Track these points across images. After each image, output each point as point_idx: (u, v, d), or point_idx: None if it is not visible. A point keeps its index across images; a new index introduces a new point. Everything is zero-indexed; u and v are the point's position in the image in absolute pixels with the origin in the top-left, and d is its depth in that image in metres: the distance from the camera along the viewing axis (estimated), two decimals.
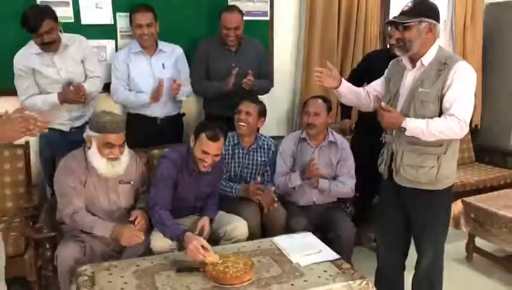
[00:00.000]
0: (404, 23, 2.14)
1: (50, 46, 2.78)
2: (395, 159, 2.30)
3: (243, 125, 2.95)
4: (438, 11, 2.20)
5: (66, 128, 3.01)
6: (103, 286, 2.06)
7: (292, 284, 2.09)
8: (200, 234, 2.49)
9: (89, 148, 2.41)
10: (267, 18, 3.74)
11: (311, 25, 3.81)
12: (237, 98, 3.15)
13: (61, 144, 2.95)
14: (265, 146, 3.09)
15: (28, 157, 3.18)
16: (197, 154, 2.55)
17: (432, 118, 2.14)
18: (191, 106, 3.58)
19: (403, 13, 2.19)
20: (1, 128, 1.68)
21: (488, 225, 3.14)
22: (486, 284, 3.13)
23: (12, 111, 1.72)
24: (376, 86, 2.48)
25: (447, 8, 4.43)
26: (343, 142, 3.03)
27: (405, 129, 2.16)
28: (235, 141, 3.02)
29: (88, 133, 2.42)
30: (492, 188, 3.85)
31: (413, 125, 2.15)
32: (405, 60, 2.26)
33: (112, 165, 2.43)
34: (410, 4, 2.19)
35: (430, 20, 2.14)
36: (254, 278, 2.13)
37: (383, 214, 2.51)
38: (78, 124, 3.03)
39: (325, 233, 2.78)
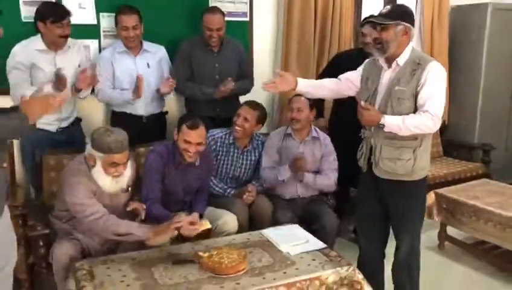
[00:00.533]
0: (383, 24, 2.30)
1: (65, 40, 2.89)
2: (374, 152, 2.45)
3: (239, 130, 3.05)
4: (413, 16, 2.38)
5: (52, 129, 3.04)
6: (103, 279, 2.12)
7: (285, 272, 2.21)
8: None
9: (93, 166, 2.40)
10: (247, 19, 3.86)
11: (289, 26, 3.94)
12: (218, 98, 3.29)
13: (47, 144, 3.00)
14: (260, 144, 3.22)
15: (12, 157, 3.18)
16: (181, 145, 2.65)
17: (407, 114, 2.30)
18: (172, 105, 3.65)
19: (381, 15, 2.34)
20: (28, 106, 1.84)
21: (458, 214, 3.36)
22: (458, 270, 3.34)
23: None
24: (351, 76, 2.61)
25: (415, 11, 4.65)
26: (326, 138, 3.18)
27: (383, 125, 2.32)
28: (230, 141, 3.11)
29: (91, 152, 2.39)
30: (460, 180, 4.08)
31: (391, 122, 2.31)
32: (381, 61, 2.42)
33: (116, 182, 2.46)
34: (388, 7, 2.36)
35: (406, 24, 2.31)
36: (248, 268, 2.23)
37: (363, 205, 2.66)
38: (64, 124, 3.07)
39: (310, 224, 2.91)
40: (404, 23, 2.30)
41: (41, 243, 2.48)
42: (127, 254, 2.38)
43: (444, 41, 4.70)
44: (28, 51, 2.85)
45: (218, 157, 3.10)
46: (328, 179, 3.09)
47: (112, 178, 2.43)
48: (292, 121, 3.08)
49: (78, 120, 3.20)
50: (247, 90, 3.55)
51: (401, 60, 2.35)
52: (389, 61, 2.39)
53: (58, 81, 2.77)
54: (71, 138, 3.08)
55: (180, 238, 2.48)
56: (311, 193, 3.15)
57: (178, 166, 2.72)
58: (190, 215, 2.51)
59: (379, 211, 2.56)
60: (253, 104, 3.11)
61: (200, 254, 2.28)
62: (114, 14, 3.25)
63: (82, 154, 2.50)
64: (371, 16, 2.51)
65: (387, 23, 2.30)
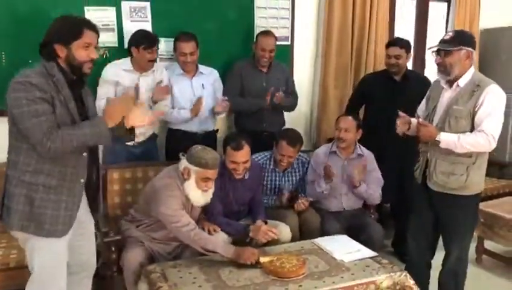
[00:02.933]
0: (447, 50, 2.48)
1: (152, 64, 3.18)
2: (429, 166, 2.63)
3: (283, 165, 3.27)
4: (475, 41, 2.56)
5: (130, 143, 3.21)
6: (176, 281, 2.32)
7: (342, 277, 2.38)
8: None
9: (186, 179, 2.60)
10: (289, 43, 4.09)
11: (328, 49, 4.16)
12: (266, 113, 3.56)
13: (124, 156, 3.25)
14: (300, 164, 3.41)
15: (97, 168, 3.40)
16: (229, 166, 2.86)
17: (464, 132, 2.47)
18: (221, 123, 3.88)
19: (444, 41, 2.53)
20: (109, 108, 2.05)
21: (496, 228, 3.49)
22: (495, 282, 3.45)
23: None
24: (421, 107, 2.81)
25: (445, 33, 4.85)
26: (370, 155, 3.36)
27: (439, 142, 2.50)
28: (271, 166, 3.32)
29: (188, 165, 2.59)
30: (492, 197, 4.20)
31: (447, 139, 2.49)
32: (443, 82, 2.61)
33: (203, 196, 2.65)
34: (451, 33, 2.55)
35: (469, 48, 2.50)
36: (307, 272, 2.41)
37: (416, 215, 2.83)
38: (141, 139, 3.27)
39: (356, 236, 3.06)
40: (466, 47, 2.48)
41: (113, 249, 2.69)
42: (192, 259, 2.59)
43: (475, 63, 4.86)
44: (116, 69, 3.16)
45: (262, 181, 3.30)
46: (375, 192, 3.28)
47: (201, 192, 2.62)
48: (339, 140, 3.27)
49: (154, 136, 3.45)
50: (293, 107, 3.79)
51: (462, 81, 2.53)
52: (451, 82, 2.57)
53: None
54: (146, 152, 3.33)
55: (249, 241, 2.73)
56: (356, 206, 3.33)
57: (230, 178, 2.94)
58: (266, 224, 2.81)
59: (430, 221, 2.72)
60: (293, 141, 3.20)
61: (263, 259, 2.47)
62: (169, 39, 3.51)
63: (172, 167, 2.71)
64: (439, 42, 2.59)
65: (451, 49, 2.48)
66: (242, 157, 2.84)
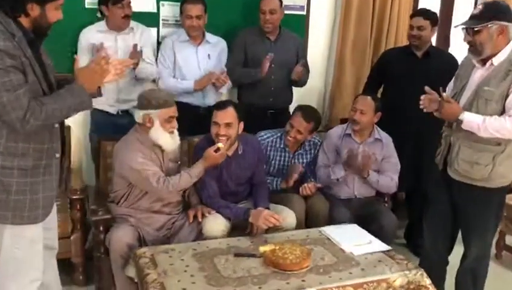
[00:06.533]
0: (474, 28, 2.17)
1: (127, 21, 2.96)
2: (451, 151, 2.35)
3: (291, 140, 2.99)
4: (510, 13, 2.20)
5: (113, 111, 3.07)
6: (166, 268, 2.10)
7: (350, 273, 2.14)
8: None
9: (150, 127, 2.43)
10: (304, 12, 3.78)
11: (346, 21, 3.84)
12: (272, 87, 3.26)
13: (107, 127, 3.02)
14: (312, 145, 3.13)
15: (69, 141, 3.19)
16: (212, 132, 2.60)
17: (491, 115, 2.18)
18: (224, 97, 3.60)
19: (472, 17, 2.22)
20: (83, 73, 1.83)
21: None
22: None
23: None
24: (450, 86, 2.50)
25: None
26: (388, 139, 3.06)
27: (461, 121, 2.21)
28: (281, 146, 3.05)
29: (146, 112, 2.43)
30: None
31: (470, 119, 2.20)
32: (475, 60, 2.30)
33: (171, 138, 2.49)
34: (480, 7, 2.21)
35: (502, 22, 2.16)
36: (312, 265, 2.17)
37: (433, 206, 2.57)
38: (125, 107, 3.08)
39: (367, 225, 2.81)
40: (499, 22, 2.16)
41: (101, 228, 2.48)
42: (186, 244, 2.36)
43: None
44: (90, 33, 2.96)
45: (269, 161, 3.04)
46: (390, 180, 3.00)
47: (169, 135, 2.47)
48: (353, 122, 2.98)
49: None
50: (305, 83, 3.48)
51: (497, 59, 2.22)
52: (484, 60, 2.27)
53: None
54: (133, 122, 3.07)
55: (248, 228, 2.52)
56: (368, 194, 3.07)
57: None
58: (268, 211, 2.54)
59: (449, 214, 2.46)
60: (308, 116, 2.96)
61: (263, 248, 2.23)
62: (174, 3, 3.26)
63: (132, 128, 2.55)
64: (469, 17, 2.29)
65: (478, 27, 2.17)
66: (224, 118, 2.56)
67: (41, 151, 1.80)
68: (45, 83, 1.78)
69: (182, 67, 3.15)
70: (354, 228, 2.65)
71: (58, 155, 1.87)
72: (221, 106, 2.62)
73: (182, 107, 3.10)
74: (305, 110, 3.00)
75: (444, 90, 2.34)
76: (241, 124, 2.65)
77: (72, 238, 2.73)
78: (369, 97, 2.99)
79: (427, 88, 2.32)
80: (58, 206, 2.90)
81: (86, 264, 2.82)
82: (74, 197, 2.72)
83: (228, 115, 2.57)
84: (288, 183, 2.91)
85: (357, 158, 2.85)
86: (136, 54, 2.92)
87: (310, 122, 2.96)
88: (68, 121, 3.11)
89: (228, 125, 2.56)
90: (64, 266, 2.80)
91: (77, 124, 3.22)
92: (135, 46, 2.96)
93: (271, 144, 3.04)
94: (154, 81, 3.21)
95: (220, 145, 2.52)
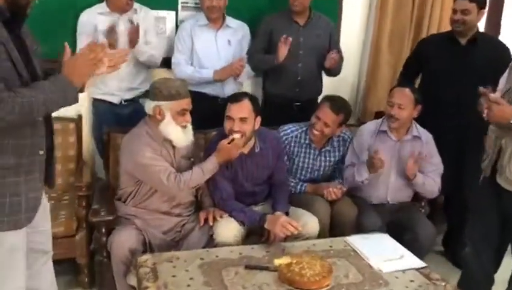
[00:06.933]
0: None
1: (131, 1, 2.75)
2: (501, 157, 2.01)
3: (317, 134, 2.67)
4: None
5: (115, 100, 2.88)
6: (167, 280, 1.86)
7: None
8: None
9: (161, 120, 2.20)
10: None
11: (383, 4, 3.49)
12: (299, 76, 2.98)
13: (110, 118, 2.84)
14: (341, 141, 2.82)
15: (80, 132, 3.02)
16: (226, 127, 2.34)
17: None
18: (247, 88, 3.32)
19: None
20: (73, 62, 1.57)
21: None
22: None
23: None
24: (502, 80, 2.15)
25: None
26: (428, 137, 2.72)
27: None
28: (306, 141, 2.74)
29: (156, 104, 2.20)
30: None
31: None
32: None
33: (184, 133, 2.26)
34: None
35: None
36: (332, 284, 1.90)
37: (479, 217, 2.24)
38: (128, 96, 2.88)
39: (400, 235, 2.50)
40: None
41: (103, 231, 2.27)
42: (193, 252, 2.12)
43: None
44: (90, 15, 2.76)
45: (293, 157, 2.75)
46: (433, 182, 2.66)
47: (181, 129, 2.24)
48: (390, 118, 2.65)
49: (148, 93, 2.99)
50: (339, 71, 3.16)
51: None
52: None
53: (108, 35, 2.63)
54: (136, 114, 2.82)
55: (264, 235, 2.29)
56: (403, 199, 2.74)
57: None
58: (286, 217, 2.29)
59: (496, 225, 2.14)
60: (337, 107, 2.64)
61: (278, 261, 1.97)
62: None
63: (142, 121, 2.33)
64: None
65: None
66: (238, 112, 2.29)
67: (22, 147, 1.58)
68: (26, 71, 1.55)
69: (200, 54, 2.90)
70: (385, 238, 2.34)
71: (42, 152, 1.65)
72: (235, 98, 2.35)
73: (198, 97, 2.89)
74: (334, 101, 2.68)
75: (492, 87, 2.00)
76: (258, 119, 2.38)
77: (77, 237, 2.54)
78: (407, 89, 2.65)
79: (482, 89, 1.98)
80: (66, 201, 2.81)
81: (92, 265, 2.63)
82: (80, 193, 2.53)
83: (243, 108, 2.31)
84: (317, 192, 2.64)
85: (380, 161, 2.53)
86: (136, 34, 2.69)
87: (339, 115, 2.65)
88: (81, 110, 3.01)
89: (243, 120, 2.30)
90: (69, 266, 2.66)
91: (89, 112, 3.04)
92: (137, 25, 2.71)
93: (295, 139, 2.75)
94: (169, 67, 2.96)
95: (236, 136, 2.27)
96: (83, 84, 1.63)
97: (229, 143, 2.26)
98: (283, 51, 2.82)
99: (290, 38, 2.82)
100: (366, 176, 2.63)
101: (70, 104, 1.60)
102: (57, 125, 2.85)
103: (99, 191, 2.58)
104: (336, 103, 2.67)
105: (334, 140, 2.79)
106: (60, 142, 2.93)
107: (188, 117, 2.27)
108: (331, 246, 2.23)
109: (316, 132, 2.66)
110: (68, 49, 1.65)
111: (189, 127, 2.31)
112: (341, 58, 3.12)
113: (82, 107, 2.99)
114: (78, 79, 1.57)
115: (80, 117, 3.02)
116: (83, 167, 2.94)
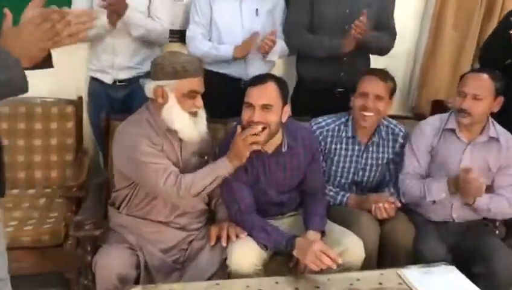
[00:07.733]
0: None
1: None
2: None
3: (371, 117, 2.09)
4: None
5: (107, 80, 2.43)
6: None
7: None
8: None
9: (163, 104, 1.73)
10: None
11: None
12: (344, 57, 2.41)
13: (102, 100, 2.45)
14: (390, 136, 2.24)
15: (80, 117, 2.56)
16: (243, 117, 1.81)
17: None
18: (278, 68, 2.76)
19: None
20: (16, 40, 1.10)
21: None
22: None
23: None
24: None
25: None
26: (510, 140, 2.11)
27: None
28: (349, 134, 2.18)
29: (158, 84, 1.73)
30: None
31: None
32: None
33: (193, 122, 1.78)
34: None
35: None
36: None
37: None
38: (123, 76, 2.42)
39: (469, 263, 1.94)
40: None
41: (88, 248, 1.79)
42: (199, 285, 1.63)
43: None
44: None
45: (330, 157, 2.19)
46: (507, 205, 2.06)
47: (189, 116, 1.76)
48: (461, 112, 2.05)
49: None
50: (387, 49, 2.54)
51: None
52: None
53: None
54: (130, 99, 2.42)
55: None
56: (472, 217, 2.14)
57: (258, 156, 1.87)
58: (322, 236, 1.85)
59: None
60: (381, 73, 2.10)
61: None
62: None
63: (144, 106, 1.86)
64: None
65: None
66: (260, 97, 1.76)
67: None
68: None
69: (220, 26, 2.37)
70: (452, 272, 1.78)
71: None
72: (257, 80, 1.81)
73: (217, 79, 2.41)
74: (373, 70, 2.19)
75: None
76: (287, 108, 1.84)
77: (65, 247, 2.09)
78: (485, 75, 2.03)
79: None
80: (60, 199, 2.36)
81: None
82: (68, 195, 2.08)
83: (267, 93, 1.77)
84: (363, 206, 2.08)
85: (476, 182, 1.92)
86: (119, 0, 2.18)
87: (387, 82, 2.08)
88: (80, 90, 2.55)
89: (266, 107, 1.76)
90: (58, 280, 2.23)
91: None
92: None
93: (333, 133, 2.18)
94: (183, 42, 2.46)
95: (257, 128, 1.74)
96: (35, 61, 1.13)
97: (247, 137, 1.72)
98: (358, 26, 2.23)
99: (366, 11, 2.23)
100: (444, 196, 2.05)
101: (18, 93, 1.11)
102: (52, 109, 2.53)
103: (93, 192, 2.10)
104: (376, 70, 2.15)
105: (382, 129, 2.21)
106: (56, 129, 2.51)
107: (199, 101, 1.78)
108: (381, 283, 1.69)
109: (367, 114, 2.07)
110: (9, 14, 1.15)
111: (202, 114, 1.82)
112: (392, 35, 2.52)
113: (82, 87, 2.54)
114: (27, 54, 1.09)
115: (80, 99, 2.55)
116: (83, 159, 2.49)
